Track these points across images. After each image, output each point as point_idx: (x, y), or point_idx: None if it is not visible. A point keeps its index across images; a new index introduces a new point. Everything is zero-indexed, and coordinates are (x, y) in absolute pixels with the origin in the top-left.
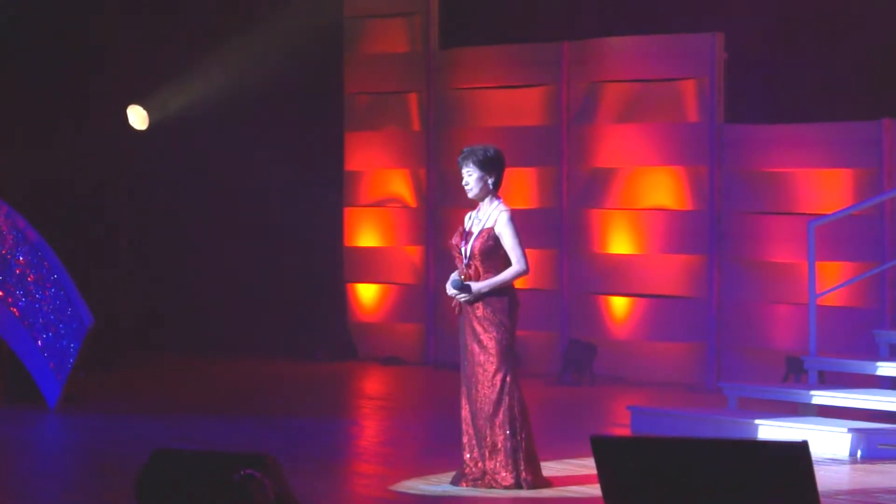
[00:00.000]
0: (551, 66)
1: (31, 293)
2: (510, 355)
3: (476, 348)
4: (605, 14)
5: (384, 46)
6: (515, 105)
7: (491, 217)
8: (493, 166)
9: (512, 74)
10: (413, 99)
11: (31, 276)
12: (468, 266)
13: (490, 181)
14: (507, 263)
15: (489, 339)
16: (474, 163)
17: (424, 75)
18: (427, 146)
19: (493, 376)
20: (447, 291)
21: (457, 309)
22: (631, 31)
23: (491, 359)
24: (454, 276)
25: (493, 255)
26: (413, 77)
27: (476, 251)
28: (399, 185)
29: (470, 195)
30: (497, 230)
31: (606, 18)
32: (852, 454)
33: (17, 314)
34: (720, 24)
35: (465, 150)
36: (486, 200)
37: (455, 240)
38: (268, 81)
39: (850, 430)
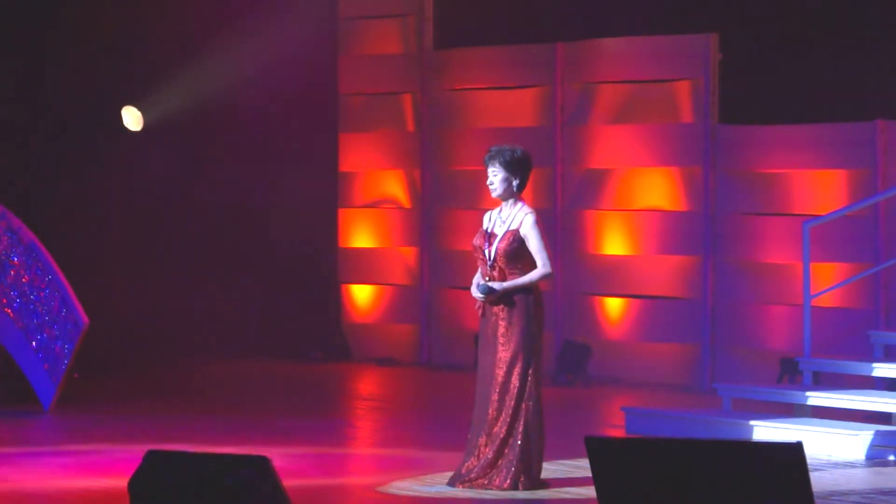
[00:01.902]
0: (545, 67)
1: (25, 294)
2: (533, 357)
3: (499, 349)
4: (598, 15)
5: (378, 47)
6: (510, 106)
7: (516, 219)
8: (519, 168)
9: (506, 75)
10: (407, 100)
11: (26, 277)
12: (492, 268)
13: (515, 182)
14: (532, 265)
15: (513, 341)
16: (501, 163)
17: (419, 76)
18: (421, 147)
19: (515, 378)
20: (473, 295)
21: (480, 310)
22: (625, 33)
23: (514, 360)
24: (478, 278)
25: (517, 257)
26: (407, 78)
27: (501, 253)
28: (393, 185)
29: (494, 195)
30: (522, 232)
31: (600, 19)
32: (849, 455)
33: (11, 315)
34: (714, 24)
35: (492, 149)
36: (510, 202)
37: (477, 241)
38: (262, 82)
39: (846, 431)
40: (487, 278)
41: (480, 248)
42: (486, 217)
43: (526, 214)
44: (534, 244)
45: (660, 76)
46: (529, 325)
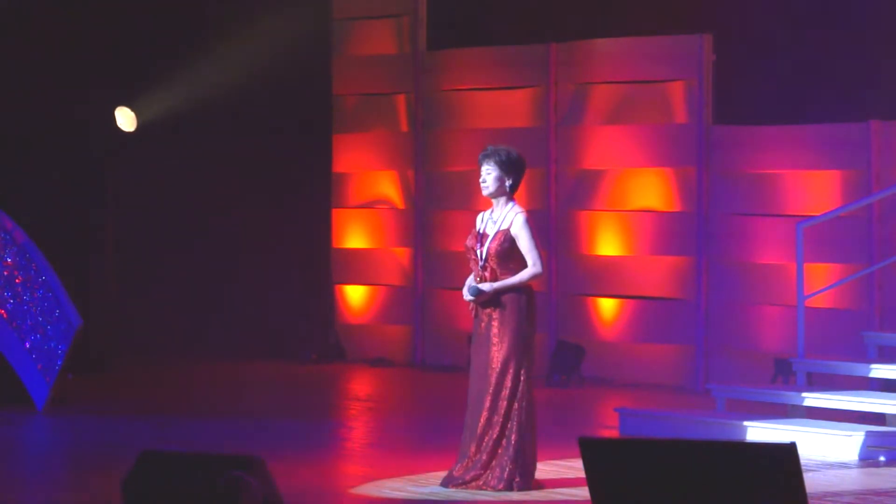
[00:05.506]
0: (539, 68)
1: (19, 295)
2: (526, 357)
3: (492, 349)
4: (592, 15)
5: (372, 48)
6: (503, 106)
7: (507, 219)
8: (513, 168)
9: (500, 76)
10: (401, 100)
11: (19, 277)
12: (484, 268)
13: (508, 183)
14: (524, 265)
15: (505, 341)
16: (496, 162)
17: (412, 77)
18: (415, 148)
19: (508, 379)
20: (464, 297)
21: (473, 311)
22: (619, 33)
23: (507, 361)
24: (470, 280)
25: (509, 257)
26: (401, 78)
27: (492, 253)
28: (387, 186)
29: (485, 192)
30: (513, 232)
31: (594, 20)
32: (842, 456)
33: (4, 316)
34: (708, 25)
35: (488, 147)
36: (502, 202)
37: (470, 242)
38: (256, 83)
39: (840, 432)
40: (479, 279)
41: (472, 248)
42: (478, 218)
43: (517, 214)
44: (524, 244)
45: (653, 77)
46: (522, 325)
